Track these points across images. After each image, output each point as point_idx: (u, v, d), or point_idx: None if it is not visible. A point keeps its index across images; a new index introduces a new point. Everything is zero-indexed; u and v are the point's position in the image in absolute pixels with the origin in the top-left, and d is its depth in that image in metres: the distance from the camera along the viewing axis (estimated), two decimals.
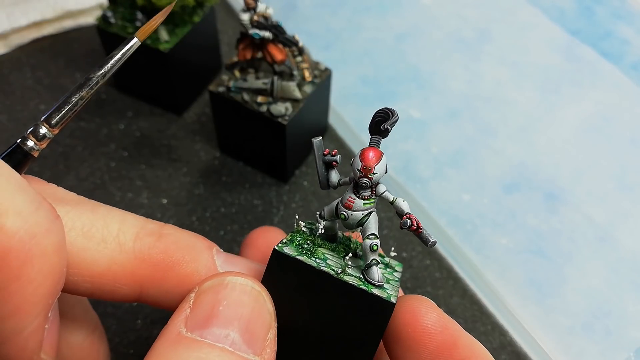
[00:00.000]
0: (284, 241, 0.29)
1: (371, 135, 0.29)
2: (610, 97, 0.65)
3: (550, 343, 0.47)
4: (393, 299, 0.26)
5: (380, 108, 0.28)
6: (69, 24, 0.68)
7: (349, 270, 0.28)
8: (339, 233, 0.33)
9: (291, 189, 0.56)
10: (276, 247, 0.27)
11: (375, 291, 0.26)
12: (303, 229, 0.31)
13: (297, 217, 0.33)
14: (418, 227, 0.27)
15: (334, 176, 0.31)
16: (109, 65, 0.29)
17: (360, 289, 0.26)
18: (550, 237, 0.53)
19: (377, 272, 0.27)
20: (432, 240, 0.27)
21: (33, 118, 0.59)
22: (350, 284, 0.26)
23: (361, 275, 0.28)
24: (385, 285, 0.28)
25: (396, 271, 0.31)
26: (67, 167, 0.56)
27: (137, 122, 0.61)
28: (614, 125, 0.62)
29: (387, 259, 0.33)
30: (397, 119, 0.28)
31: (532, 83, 0.66)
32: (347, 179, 0.29)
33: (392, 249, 0.33)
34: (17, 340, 0.23)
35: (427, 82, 0.66)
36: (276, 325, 0.27)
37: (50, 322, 0.24)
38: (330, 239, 0.32)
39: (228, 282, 0.26)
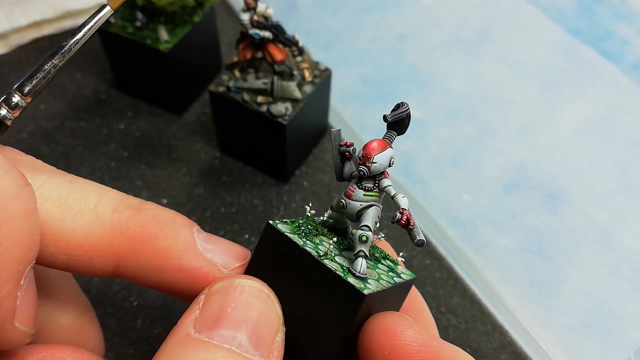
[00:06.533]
0: (284, 220, 0.28)
1: (387, 129, 0.29)
2: (610, 97, 0.65)
3: (550, 343, 0.47)
4: (366, 291, 0.25)
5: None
6: (69, 24, 0.68)
7: (337, 258, 0.27)
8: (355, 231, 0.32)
9: (291, 189, 0.56)
10: (270, 222, 0.27)
11: (351, 280, 0.26)
12: (308, 214, 0.31)
13: (310, 204, 0.33)
14: (408, 223, 0.26)
15: (348, 168, 0.30)
16: (82, 33, 0.29)
17: (335, 274, 0.26)
18: (550, 237, 0.53)
19: (360, 264, 0.27)
20: (418, 239, 0.26)
21: (32, 118, 0.59)
22: (327, 268, 0.26)
23: (348, 265, 0.27)
24: (370, 281, 0.27)
25: (399, 277, 0.30)
26: (67, 167, 0.56)
27: (137, 122, 0.61)
28: (614, 125, 0.62)
29: (397, 266, 0.32)
30: (403, 112, 0.28)
31: (532, 83, 0.66)
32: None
33: (401, 254, 0.32)
34: None
35: (427, 82, 0.66)
36: (284, 329, 0.27)
37: (24, 290, 0.24)
38: (340, 232, 0.31)
39: (237, 285, 0.26)
